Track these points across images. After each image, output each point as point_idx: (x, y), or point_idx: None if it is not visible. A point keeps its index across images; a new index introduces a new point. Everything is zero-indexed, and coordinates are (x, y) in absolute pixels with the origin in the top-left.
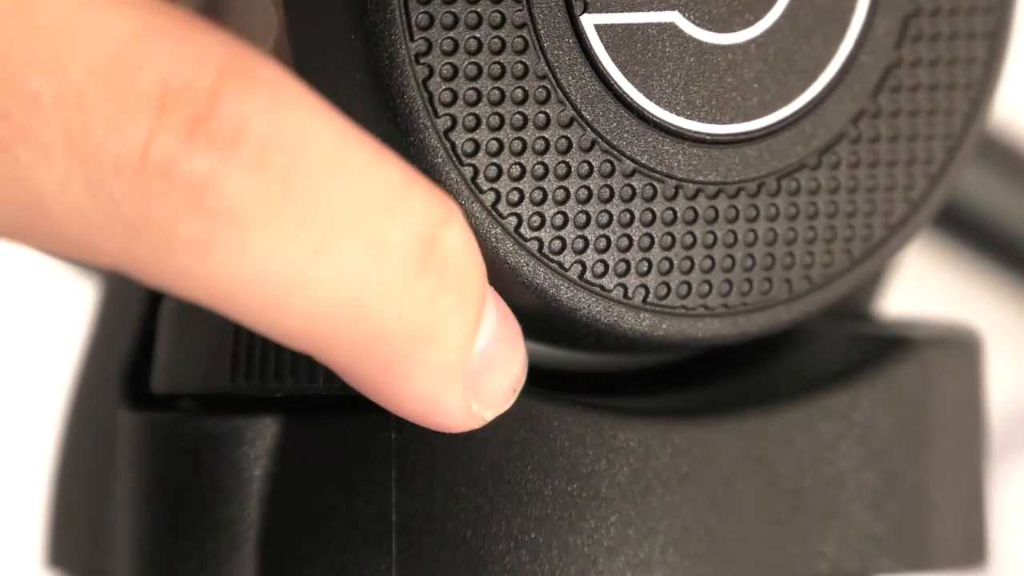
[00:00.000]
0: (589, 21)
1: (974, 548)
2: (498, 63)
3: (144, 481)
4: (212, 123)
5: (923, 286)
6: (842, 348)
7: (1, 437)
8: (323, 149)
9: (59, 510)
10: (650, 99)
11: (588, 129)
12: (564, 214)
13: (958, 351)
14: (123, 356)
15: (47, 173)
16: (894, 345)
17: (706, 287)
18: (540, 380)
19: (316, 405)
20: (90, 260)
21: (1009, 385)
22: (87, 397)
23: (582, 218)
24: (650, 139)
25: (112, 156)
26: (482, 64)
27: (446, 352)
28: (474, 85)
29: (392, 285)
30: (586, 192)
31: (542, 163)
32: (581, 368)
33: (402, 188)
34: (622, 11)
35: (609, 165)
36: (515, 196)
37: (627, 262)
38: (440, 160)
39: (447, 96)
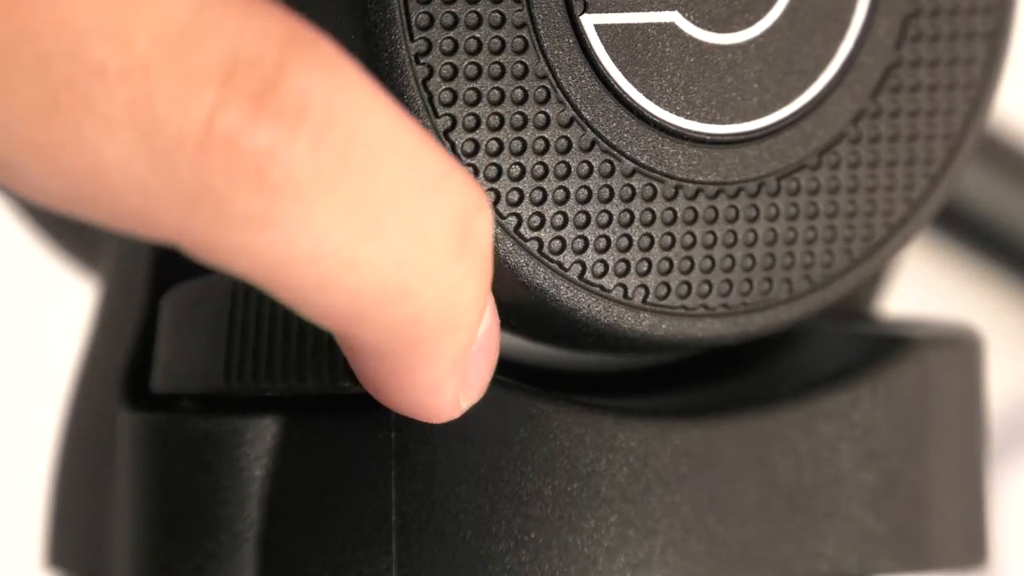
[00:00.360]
0: (589, 21)
1: (974, 548)
2: (498, 63)
3: (144, 481)
4: (277, 97)
5: (923, 286)
6: (842, 348)
7: (1, 437)
8: (377, 128)
9: (59, 510)
10: (650, 99)
11: (588, 129)
12: (564, 214)
13: (958, 351)
14: (123, 356)
15: (109, 144)
16: (894, 345)
17: (706, 287)
18: (540, 380)
19: (316, 405)
20: (147, 233)
21: (1009, 385)
22: (87, 397)
23: (582, 218)
24: (650, 139)
25: (176, 129)
26: (482, 64)
27: (464, 338)
28: (474, 85)
29: (434, 268)
30: (586, 192)
31: (542, 163)
32: (581, 368)
33: (444, 172)
34: (622, 11)
35: (609, 165)
36: (515, 196)
37: (627, 262)
38: None
39: (447, 96)
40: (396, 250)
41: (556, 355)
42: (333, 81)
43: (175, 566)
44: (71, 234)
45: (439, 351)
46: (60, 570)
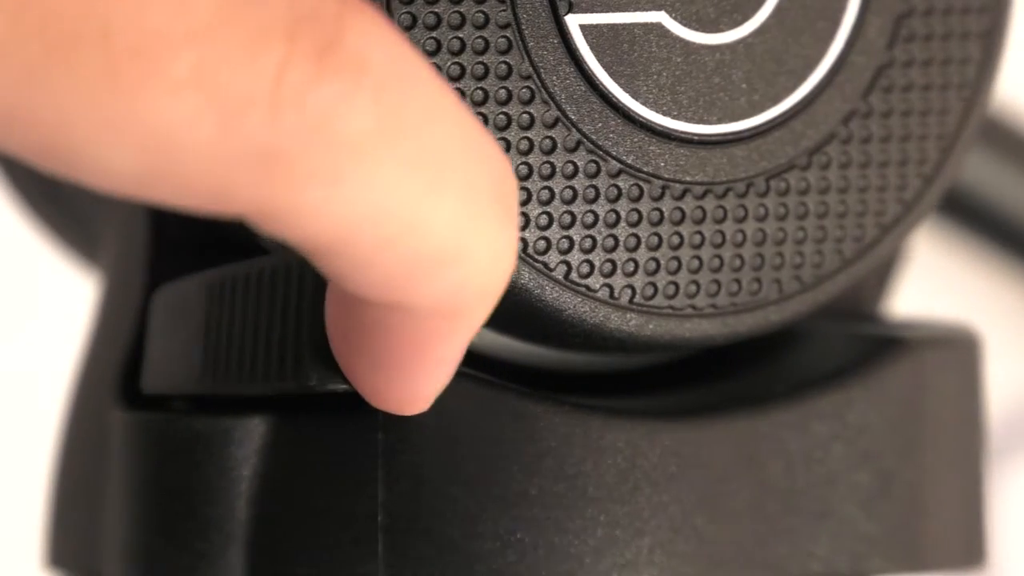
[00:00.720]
0: (574, 21)
1: (973, 548)
2: (481, 63)
3: (134, 481)
4: (340, 51)
5: (922, 285)
6: (837, 348)
7: (1, 437)
8: (427, 87)
9: (58, 510)
10: (636, 99)
11: (573, 129)
12: (549, 214)
13: (954, 351)
14: (118, 355)
15: (177, 113)
16: (888, 345)
17: (694, 287)
18: (529, 380)
19: (305, 405)
20: (219, 207)
21: (1009, 385)
22: (85, 396)
23: (567, 218)
24: (636, 139)
25: (245, 88)
26: (465, 64)
27: (488, 311)
28: (457, 85)
29: (488, 231)
30: (571, 192)
31: (526, 163)
32: (572, 368)
33: (483, 135)
34: (608, 11)
35: (595, 165)
36: None
37: (613, 262)
38: None
39: None
40: (454, 210)
41: (546, 355)
42: (386, 39)
43: (165, 565)
44: (72, 228)
45: (469, 323)
46: (60, 570)
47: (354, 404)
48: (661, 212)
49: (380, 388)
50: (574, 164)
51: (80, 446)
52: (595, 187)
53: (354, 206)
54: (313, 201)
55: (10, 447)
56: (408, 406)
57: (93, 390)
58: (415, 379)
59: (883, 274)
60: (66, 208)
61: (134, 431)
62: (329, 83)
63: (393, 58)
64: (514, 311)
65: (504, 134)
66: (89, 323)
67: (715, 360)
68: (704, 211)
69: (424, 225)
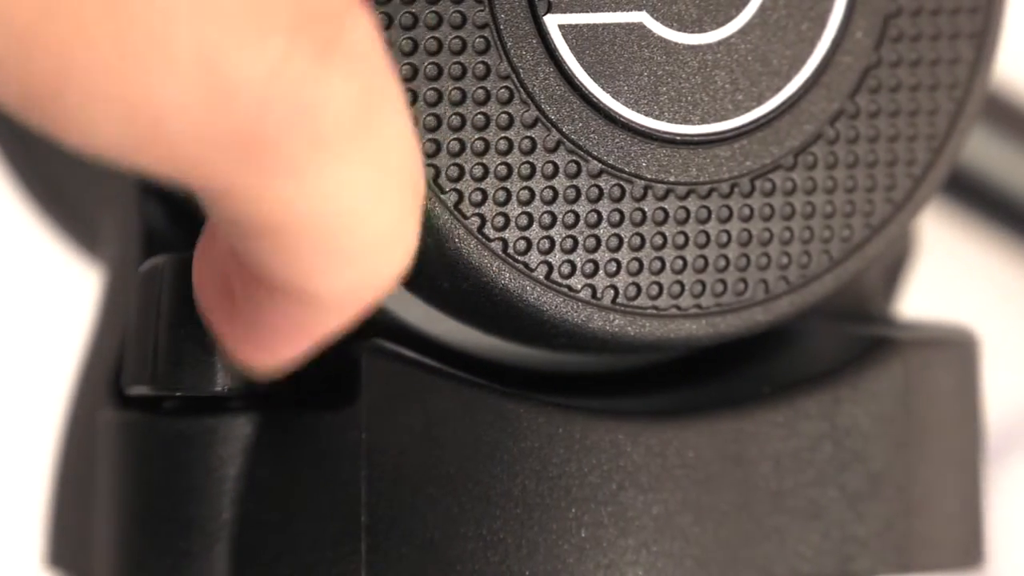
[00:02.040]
0: (553, 21)
1: (969, 548)
2: (459, 63)
3: (120, 480)
4: (341, 48)
5: (922, 284)
6: (826, 348)
7: (1, 437)
8: (394, 93)
9: (56, 510)
10: (617, 99)
11: (553, 129)
12: (529, 214)
13: (947, 352)
14: (111, 355)
15: (171, 87)
16: (878, 346)
17: (678, 288)
18: (512, 380)
19: (287, 405)
20: (192, 181)
21: (1008, 385)
22: (83, 395)
23: (547, 219)
24: (618, 140)
25: (241, 73)
26: (442, 65)
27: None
28: (435, 86)
29: (409, 234)
30: (551, 192)
31: (505, 163)
32: (557, 368)
33: (414, 135)
34: (587, 11)
35: (575, 165)
36: (478, 196)
37: (595, 263)
38: None
39: (408, 97)
40: (390, 214)
41: (531, 355)
42: (374, 41)
43: (150, 564)
44: (74, 224)
45: (354, 313)
46: (58, 570)
47: (337, 404)
48: (643, 212)
49: (248, 356)
50: (554, 164)
51: (77, 445)
52: (576, 187)
53: (312, 200)
54: (278, 190)
55: (11, 447)
56: (270, 372)
57: (89, 389)
58: (282, 356)
59: (890, 275)
60: (68, 204)
61: (120, 430)
62: (326, 79)
63: (380, 65)
64: (496, 311)
65: (483, 134)
66: (92, 321)
67: (703, 360)
68: (687, 211)
69: (362, 226)
